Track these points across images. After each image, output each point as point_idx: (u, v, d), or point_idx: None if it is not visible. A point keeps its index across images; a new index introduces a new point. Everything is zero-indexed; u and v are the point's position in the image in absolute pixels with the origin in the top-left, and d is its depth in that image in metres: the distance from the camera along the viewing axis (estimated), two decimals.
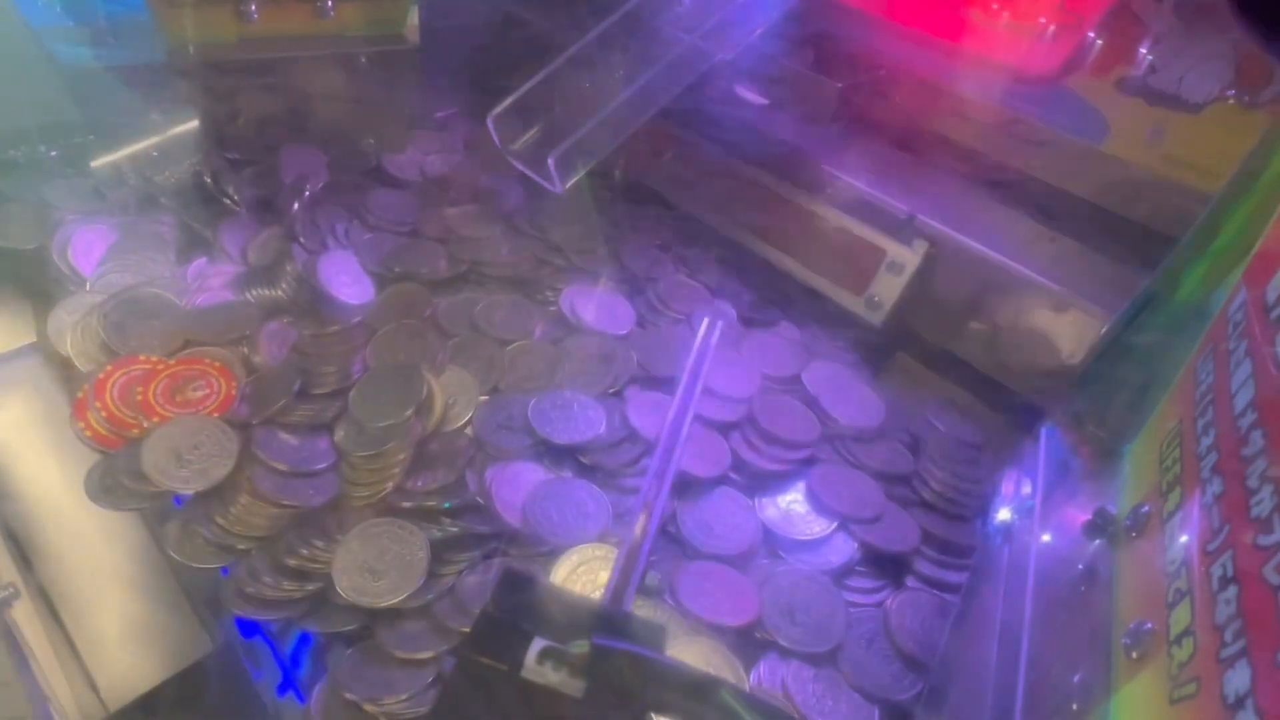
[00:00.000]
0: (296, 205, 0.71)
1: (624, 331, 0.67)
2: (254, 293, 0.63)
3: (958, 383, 0.69)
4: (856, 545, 0.53)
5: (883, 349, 0.72)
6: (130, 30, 0.73)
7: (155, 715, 0.50)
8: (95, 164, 0.71)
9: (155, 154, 0.74)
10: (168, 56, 0.74)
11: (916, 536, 0.54)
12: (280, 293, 0.64)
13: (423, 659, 0.44)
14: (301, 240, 0.68)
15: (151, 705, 0.50)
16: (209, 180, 0.72)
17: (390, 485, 0.51)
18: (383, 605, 0.45)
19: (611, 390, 0.61)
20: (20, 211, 0.66)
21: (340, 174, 0.78)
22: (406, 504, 0.50)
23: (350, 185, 0.77)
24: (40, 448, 0.60)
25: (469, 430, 0.56)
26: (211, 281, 0.64)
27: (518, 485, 0.52)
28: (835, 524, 0.54)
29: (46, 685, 0.47)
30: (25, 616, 0.49)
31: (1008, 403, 0.65)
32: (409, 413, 0.53)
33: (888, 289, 0.67)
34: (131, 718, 0.50)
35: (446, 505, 0.51)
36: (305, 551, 0.47)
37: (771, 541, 0.54)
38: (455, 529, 0.50)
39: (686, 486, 0.55)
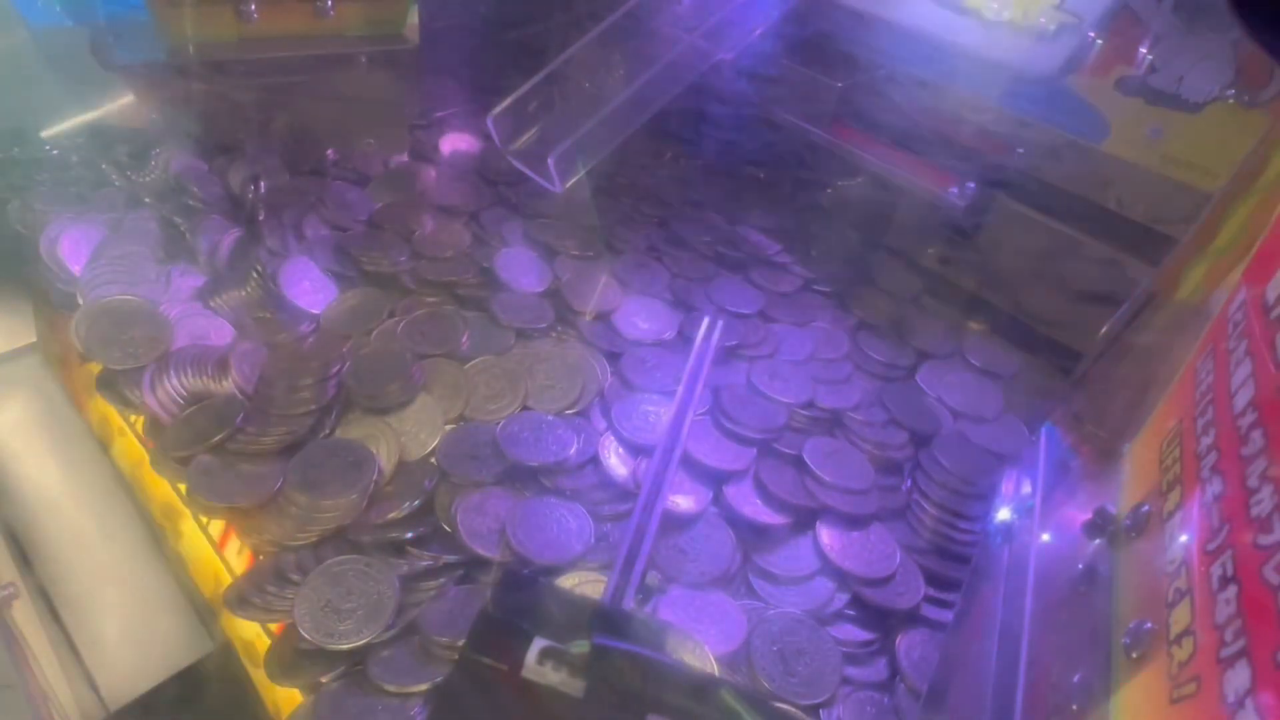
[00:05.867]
0: (262, 210, 0.70)
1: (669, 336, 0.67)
2: (224, 297, 0.63)
3: None
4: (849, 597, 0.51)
5: None
6: (130, 30, 0.73)
7: (155, 715, 0.50)
8: (89, 163, 0.71)
9: (151, 153, 0.74)
10: (168, 56, 0.74)
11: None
12: (245, 293, 0.64)
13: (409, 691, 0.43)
14: (267, 243, 0.68)
15: (151, 705, 0.50)
16: (191, 182, 0.72)
17: (334, 530, 0.49)
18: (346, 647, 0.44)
19: (572, 410, 0.59)
20: (20, 211, 0.66)
21: (337, 175, 0.78)
22: (366, 538, 0.49)
23: (346, 185, 0.77)
24: (40, 448, 0.60)
25: (434, 460, 0.54)
26: (183, 283, 0.64)
27: (485, 513, 0.51)
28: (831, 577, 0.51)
29: (46, 685, 0.47)
30: (25, 616, 0.49)
31: None
32: (353, 496, 0.51)
33: None
34: (131, 718, 0.50)
35: (409, 536, 0.49)
36: (258, 601, 0.46)
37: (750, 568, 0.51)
38: (424, 562, 0.48)
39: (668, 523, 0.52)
